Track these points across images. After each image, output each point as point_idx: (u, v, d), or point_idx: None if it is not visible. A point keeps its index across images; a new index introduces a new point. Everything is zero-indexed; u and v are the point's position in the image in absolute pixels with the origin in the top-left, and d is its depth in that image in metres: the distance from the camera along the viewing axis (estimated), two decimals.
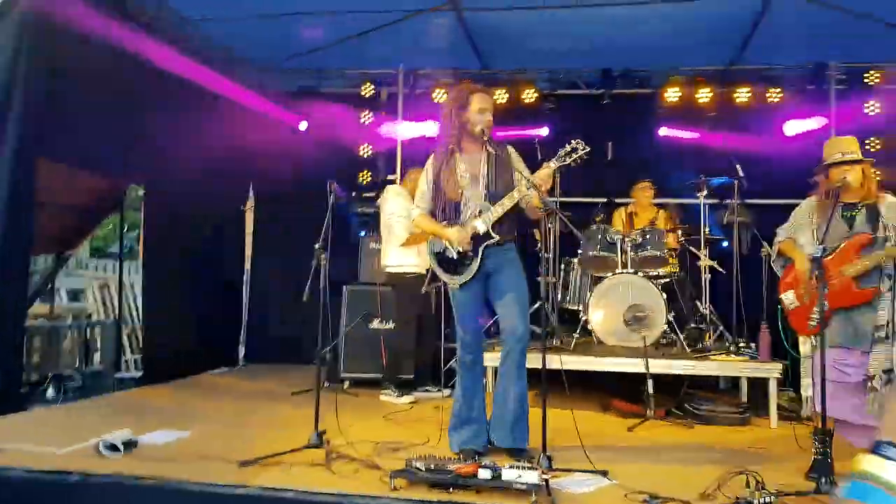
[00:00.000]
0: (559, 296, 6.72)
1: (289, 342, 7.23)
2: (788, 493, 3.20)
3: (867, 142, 6.59)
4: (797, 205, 4.11)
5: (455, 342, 4.12)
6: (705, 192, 6.20)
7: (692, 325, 6.14)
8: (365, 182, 7.72)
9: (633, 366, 5.21)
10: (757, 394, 5.51)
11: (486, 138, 3.90)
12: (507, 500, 3.09)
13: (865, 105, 6.82)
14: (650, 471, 3.69)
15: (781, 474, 3.53)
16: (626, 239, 6.01)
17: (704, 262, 6.18)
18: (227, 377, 6.92)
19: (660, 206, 6.88)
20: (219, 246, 7.44)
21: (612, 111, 7.47)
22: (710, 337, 5.96)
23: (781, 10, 5.79)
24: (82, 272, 10.05)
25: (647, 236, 6.00)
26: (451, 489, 3.15)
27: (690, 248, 6.42)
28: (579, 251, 6.32)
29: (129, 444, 3.74)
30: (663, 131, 7.38)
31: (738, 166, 5.99)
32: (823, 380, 3.41)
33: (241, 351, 7.81)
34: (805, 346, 4.74)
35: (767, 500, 3.04)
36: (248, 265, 8.01)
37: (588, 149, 3.80)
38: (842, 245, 3.81)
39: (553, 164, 3.82)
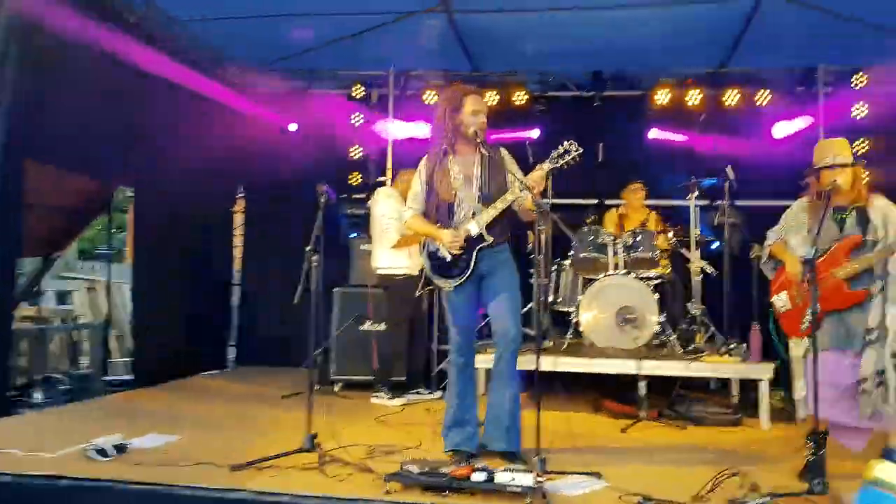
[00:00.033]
0: (550, 297, 6.72)
1: (279, 344, 7.18)
2: (781, 495, 3.20)
3: (855, 143, 6.62)
4: (787, 206, 4.12)
5: (447, 344, 4.11)
6: (696, 194, 6.23)
7: (683, 326, 6.15)
8: (355, 184, 7.69)
9: (624, 367, 5.22)
10: (747, 394, 5.54)
11: (479, 140, 3.89)
12: (502, 502, 3.09)
13: (854, 107, 6.85)
14: (643, 472, 3.70)
15: (774, 475, 3.54)
16: (618, 240, 6.01)
17: (695, 263, 6.21)
18: (218, 380, 6.88)
19: (651, 207, 6.90)
20: (208, 247, 7.41)
21: (602, 113, 7.46)
22: (701, 338, 5.98)
23: (772, 13, 5.81)
24: (70, 274, 9.97)
25: (639, 238, 6.00)
26: (445, 492, 3.15)
27: (681, 249, 6.45)
28: (571, 253, 6.32)
29: (120, 448, 3.71)
30: (653, 133, 7.38)
31: (730, 170, 6.01)
32: (816, 382, 3.42)
33: (232, 353, 7.77)
34: (798, 348, 4.76)
35: (760, 501, 3.05)
36: (237, 267, 7.97)
37: (581, 150, 3.81)
38: (832, 247, 3.83)
39: (546, 166, 3.82)
